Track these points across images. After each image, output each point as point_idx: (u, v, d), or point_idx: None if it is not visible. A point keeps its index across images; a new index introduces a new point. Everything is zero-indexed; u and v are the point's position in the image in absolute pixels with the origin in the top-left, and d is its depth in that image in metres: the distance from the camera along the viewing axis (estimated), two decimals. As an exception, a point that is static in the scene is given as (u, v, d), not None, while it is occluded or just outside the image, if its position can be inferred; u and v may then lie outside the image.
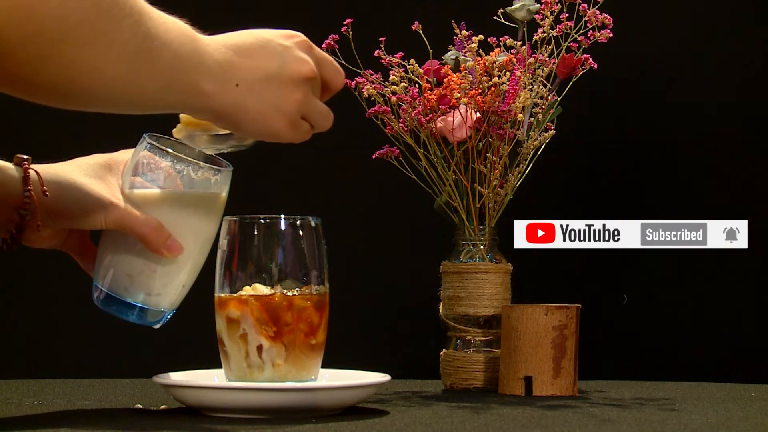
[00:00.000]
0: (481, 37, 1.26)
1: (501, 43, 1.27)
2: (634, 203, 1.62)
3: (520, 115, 1.25)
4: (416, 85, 1.27)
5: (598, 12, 1.25)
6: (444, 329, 1.29)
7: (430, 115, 1.26)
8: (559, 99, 1.29)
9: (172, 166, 0.95)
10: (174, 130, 0.97)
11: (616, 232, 1.62)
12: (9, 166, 0.92)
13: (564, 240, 1.63)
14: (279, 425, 0.90)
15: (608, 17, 1.25)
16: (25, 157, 0.93)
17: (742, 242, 1.60)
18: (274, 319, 0.98)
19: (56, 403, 1.07)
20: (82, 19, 0.75)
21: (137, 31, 0.79)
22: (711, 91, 1.61)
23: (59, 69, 0.76)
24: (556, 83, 1.28)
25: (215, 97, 0.86)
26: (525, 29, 1.28)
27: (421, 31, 1.26)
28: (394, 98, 1.26)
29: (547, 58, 1.26)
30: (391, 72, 1.27)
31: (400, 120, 1.28)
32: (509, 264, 1.29)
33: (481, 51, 1.25)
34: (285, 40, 0.91)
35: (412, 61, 1.26)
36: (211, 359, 1.05)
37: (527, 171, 1.28)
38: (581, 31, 1.26)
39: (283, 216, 1.01)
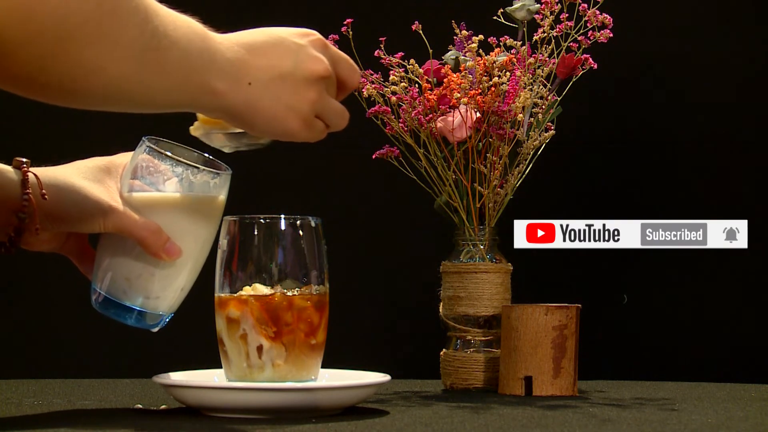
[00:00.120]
0: (481, 37, 1.26)
1: (501, 43, 1.27)
2: (634, 203, 1.62)
3: (520, 115, 1.25)
4: (416, 85, 1.27)
5: (598, 12, 1.25)
6: (444, 329, 1.29)
7: (430, 115, 1.26)
8: (559, 99, 1.29)
9: (171, 170, 0.95)
10: (191, 127, 0.96)
11: (616, 232, 1.62)
12: (8, 169, 0.92)
13: (564, 240, 1.63)
14: (279, 425, 0.90)
15: (608, 17, 1.25)
16: (24, 160, 0.92)
17: (742, 242, 1.60)
18: (274, 319, 0.98)
19: (56, 403, 1.07)
20: (86, 17, 0.74)
21: (144, 30, 0.78)
22: (711, 91, 1.61)
23: (64, 68, 0.75)
24: (556, 83, 1.28)
25: (227, 96, 0.85)
26: (525, 29, 1.28)
27: (421, 31, 1.26)
28: (394, 98, 1.26)
29: (547, 58, 1.26)
30: (391, 72, 1.27)
31: (400, 120, 1.28)
32: (509, 264, 1.29)
33: (481, 51, 1.25)
34: (299, 39, 0.90)
35: (412, 61, 1.26)
36: (211, 359, 1.05)
37: (527, 171, 1.28)
38: (581, 31, 1.26)
39: (283, 216, 1.01)
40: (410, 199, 1.37)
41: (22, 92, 0.77)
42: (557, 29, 1.26)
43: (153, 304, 0.96)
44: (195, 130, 0.97)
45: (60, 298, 1.57)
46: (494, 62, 1.25)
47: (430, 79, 1.27)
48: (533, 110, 1.27)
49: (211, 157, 0.98)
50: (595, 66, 1.27)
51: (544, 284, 1.52)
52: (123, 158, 0.98)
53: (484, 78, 1.24)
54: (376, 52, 1.26)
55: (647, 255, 1.61)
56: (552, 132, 1.28)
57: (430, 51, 1.26)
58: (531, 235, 1.46)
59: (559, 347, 1.16)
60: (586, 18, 1.26)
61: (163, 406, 1.03)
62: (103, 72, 0.77)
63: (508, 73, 1.24)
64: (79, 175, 0.94)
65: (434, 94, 1.25)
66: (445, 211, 1.30)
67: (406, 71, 1.27)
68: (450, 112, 1.25)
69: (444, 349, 1.28)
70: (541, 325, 1.16)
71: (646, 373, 1.42)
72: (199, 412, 0.97)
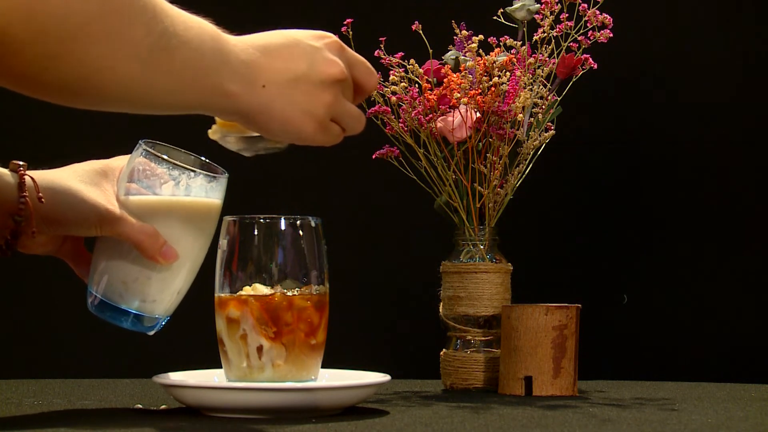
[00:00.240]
0: (481, 37, 1.26)
1: (501, 43, 1.27)
2: (634, 203, 1.62)
3: (520, 115, 1.25)
4: (416, 85, 1.27)
5: (598, 12, 1.25)
6: (444, 329, 1.29)
7: (430, 115, 1.26)
8: (559, 99, 1.29)
9: (168, 173, 0.95)
10: (209, 131, 0.96)
11: (616, 232, 1.62)
12: (5, 172, 0.92)
13: (564, 240, 1.63)
14: (279, 425, 0.90)
15: (608, 17, 1.25)
16: (21, 163, 0.92)
17: (741, 242, 1.60)
18: (274, 319, 0.98)
19: (56, 403, 1.07)
20: (90, 16, 0.74)
21: (152, 29, 0.78)
22: (711, 91, 1.61)
23: (69, 67, 0.75)
24: (556, 83, 1.28)
25: (241, 98, 0.84)
26: (525, 29, 1.28)
27: (421, 31, 1.26)
28: (394, 98, 1.26)
29: (547, 58, 1.26)
30: (391, 72, 1.27)
31: (400, 120, 1.28)
32: (509, 264, 1.29)
33: (481, 51, 1.25)
34: (315, 41, 0.89)
35: (412, 61, 1.26)
36: (211, 359, 1.05)
37: (527, 171, 1.28)
38: (581, 31, 1.26)
39: (283, 216, 1.01)
40: (410, 199, 1.37)
41: (28, 92, 0.77)
42: (557, 29, 1.26)
43: (149, 308, 0.96)
44: (213, 133, 0.96)
45: (60, 298, 1.57)
46: (494, 62, 1.25)
47: (430, 79, 1.27)
48: (533, 110, 1.27)
49: (207, 160, 0.98)
50: (595, 66, 1.27)
51: (544, 284, 1.52)
52: (119, 161, 0.98)
53: (484, 78, 1.24)
54: (376, 52, 1.26)
55: (647, 255, 1.62)
56: (552, 132, 1.29)
57: (430, 51, 1.26)
58: (531, 235, 1.46)
59: (559, 347, 1.16)
60: (586, 18, 1.26)
61: (163, 406, 1.03)
62: (110, 71, 0.76)
63: (508, 73, 1.24)
64: (75, 178, 0.94)
65: (434, 94, 1.25)
66: (445, 211, 1.30)
67: (406, 71, 1.27)
68: (450, 112, 1.25)
69: (444, 349, 1.28)
70: (541, 325, 1.16)
71: (646, 373, 1.42)
72: (199, 412, 0.97)
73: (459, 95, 1.23)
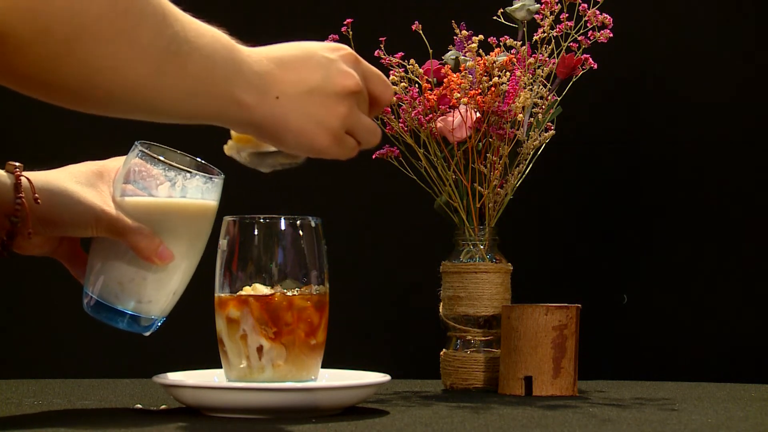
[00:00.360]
0: (481, 37, 1.26)
1: (501, 43, 1.27)
2: (634, 203, 1.62)
3: (520, 115, 1.25)
4: (416, 85, 1.27)
5: (598, 12, 1.25)
6: (444, 329, 1.29)
7: (430, 115, 1.26)
8: (559, 99, 1.29)
9: (164, 174, 0.95)
10: (225, 146, 0.96)
11: (616, 232, 1.62)
12: (1, 173, 0.92)
13: (564, 239, 1.63)
14: (279, 425, 0.90)
15: (608, 17, 1.25)
16: (17, 164, 0.92)
17: (741, 242, 1.60)
18: (274, 320, 0.98)
19: (56, 403, 1.07)
20: (98, 16, 0.73)
21: (162, 33, 0.77)
22: (711, 91, 1.61)
23: (74, 68, 0.74)
24: (556, 83, 1.28)
25: (254, 109, 0.83)
26: (525, 29, 1.28)
27: (421, 31, 1.26)
28: (394, 98, 1.26)
29: (547, 58, 1.26)
30: (391, 72, 1.27)
31: (400, 120, 1.28)
32: (509, 264, 1.29)
33: (481, 51, 1.25)
34: (330, 53, 0.88)
35: (412, 61, 1.26)
36: (211, 359, 1.05)
37: (527, 171, 1.29)
38: (581, 31, 1.26)
39: (283, 216, 1.01)
40: (410, 199, 1.37)
41: (34, 93, 0.76)
42: (557, 29, 1.26)
43: (145, 308, 0.96)
44: (228, 149, 0.96)
45: (60, 299, 1.56)
46: (494, 62, 1.25)
47: (430, 79, 1.27)
48: (533, 110, 1.27)
49: (203, 161, 0.98)
50: (595, 66, 1.27)
51: (544, 284, 1.52)
52: (115, 162, 0.98)
53: (484, 78, 1.24)
54: (376, 52, 1.26)
55: (647, 255, 1.62)
56: (552, 132, 1.29)
57: (430, 51, 1.26)
58: (531, 235, 1.45)
59: (559, 347, 1.16)
60: (586, 18, 1.26)
61: (163, 406, 1.03)
62: (117, 74, 0.75)
63: (508, 73, 1.24)
64: (71, 179, 0.94)
65: (434, 94, 1.25)
66: (445, 211, 1.30)
67: (406, 71, 1.27)
68: (450, 112, 1.25)
69: (444, 349, 1.28)
70: (541, 325, 1.16)
71: (646, 373, 1.42)
72: (199, 412, 0.97)
73: (459, 95, 1.23)
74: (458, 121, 1.25)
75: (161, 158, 0.95)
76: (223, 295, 1.01)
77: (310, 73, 0.86)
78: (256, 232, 1.01)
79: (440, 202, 1.30)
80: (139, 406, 1.04)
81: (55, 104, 0.77)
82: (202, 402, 0.96)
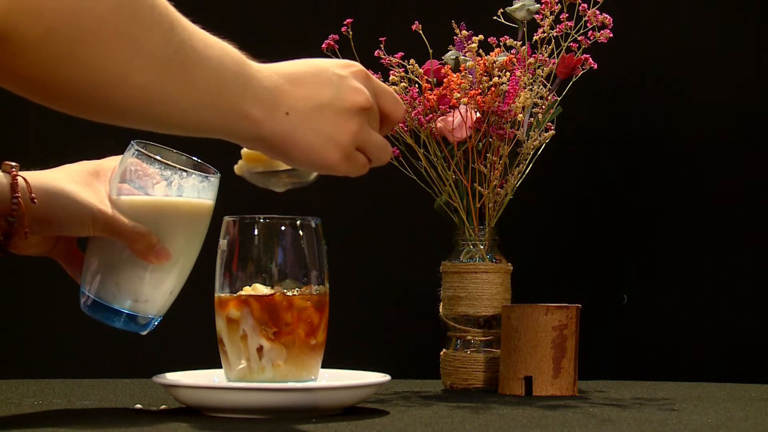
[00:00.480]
0: (481, 37, 1.26)
1: (501, 43, 1.27)
2: (634, 203, 1.62)
3: (520, 115, 1.25)
4: (416, 85, 1.27)
5: (598, 12, 1.25)
6: (444, 329, 1.29)
7: (430, 115, 1.26)
8: (559, 99, 1.29)
9: (160, 173, 0.95)
10: (235, 166, 0.96)
11: (616, 232, 1.62)
12: None
13: (564, 239, 1.63)
14: (279, 425, 0.90)
15: (608, 17, 1.25)
16: (13, 164, 0.92)
17: (741, 242, 1.60)
18: (274, 320, 0.98)
19: (56, 403, 1.07)
20: (102, 20, 0.72)
21: (169, 41, 0.76)
22: (711, 91, 1.61)
23: (78, 72, 0.73)
24: (556, 83, 1.28)
25: (264, 125, 0.83)
26: (525, 29, 1.28)
27: (421, 31, 1.26)
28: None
29: (547, 58, 1.26)
30: (391, 72, 1.27)
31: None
32: (509, 264, 1.29)
33: (481, 51, 1.25)
34: (340, 70, 0.88)
35: (412, 61, 1.26)
36: (211, 359, 1.05)
37: (527, 171, 1.29)
38: (581, 31, 1.26)
39: (283, 216, 1.01)
40: (410, 199, 1.37)
41: (37, 98, 0.75)
42: (557, 29, 1.26)
43: (142, 308, 0.96)
44: (238, 169, 0.96)
45: (60, 299, 1.56)
46: (494, 62, 1.25)
47: (430, 79, 1.27)
48: (533, 110, 1.27)
49: (199, 160, 0.98)
50: (595, 66, 1.27)
51: (544, 284, 1.52)
52: (111, 162, 0.98)
53: (484, 78, 1.24)
54: (376, 52, 1.26)
55: (647, 255, 1.62)
56: (552, 132, 1.29)
57: (430, 51, 1.26)
58: (531, 235, 1.45)
59: (559, 347, 1.16)
60: (586, 18, 1.26)
61: (163, 406, 1.03)
62: (122, 80, 0.75)
63: (508, 73, 1.24)
64: (68, 179, 0.93)
65: (434, 94, 1.25)
66: (445, 211, 1.30)
67: (406, 71, 1.27)
68: (450, 112, 1.25)
69: (444, 349, 1.28)
70: (541, 325, 1.16)
71: (646, 373, 1.42)
72: (199, 412, 0.97)
73: (459, 95, 1.23)
74: (458, 121, 1.25)
75: (157, 157, 0.95)
76: (223, 295, 1.01)
77: (321, 90, 0.86)
78: (256, 232, 1.01)
79: (440, 202, 1.30)
80: (139, 406, 1.04)
81: (58, 110, 0.77)
82: (202, 402, 0.96)
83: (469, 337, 1.27)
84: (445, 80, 1.24)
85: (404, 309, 1.60)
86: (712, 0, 1.62)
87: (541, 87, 1.27)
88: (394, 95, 0.92)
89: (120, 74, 0.74)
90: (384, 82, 1.26)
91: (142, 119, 0.80)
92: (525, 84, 1.25)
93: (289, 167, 0.94)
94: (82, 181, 0.94)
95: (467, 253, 1.28)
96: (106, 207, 0.93)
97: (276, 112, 0.84)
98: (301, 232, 1.01)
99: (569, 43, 1.26)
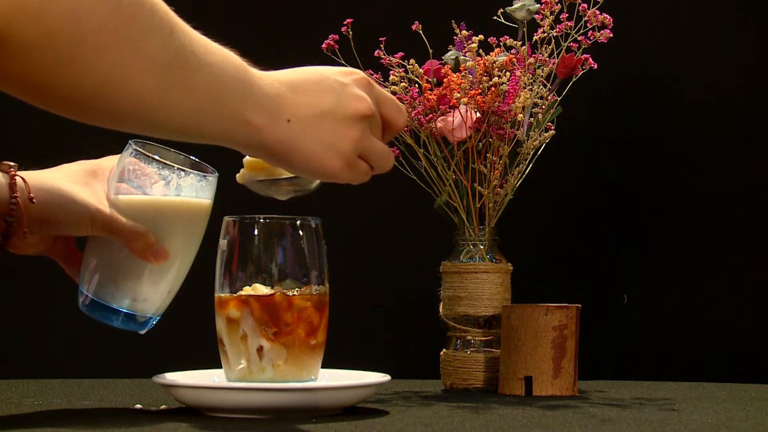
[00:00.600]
0: (481, 37, 1.26)
1: (501, 43, 1.27)
2: (634, 203, 1.62)
3: (520, 115, 1.25)
4: (416, 85, 1.27)
5: (598, 12, 1.25)
6: (444, 329, 1.29)
7: (430, 115, 1.26)
8: (559, 99, 1.29)
9: (158, 173, 0.95)
10: (237, 175, 0.96)
11: (616, 232, 1.62)
12: None
13: (564, 239, 1.63)
14: (279, 425, 0.90)
15: (608, 17, 1.25)
16: (12, 163, 0.92)
17: (741, 242, 1.60)
18: (274, 320, 0.98)
19: (56, 403, 1.07)
20: (102, 23, 0.72)
21: (169, 45, 0.76)
22: (711, 91, 1.61)
23: (78, 75, 0.73)
24: (556, 83, 1.28)
25: (265, 132, 0.83)
26: (525, 29, 1.28)
27: (421, 31, 1.26)
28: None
29: (547, 58, 1.26)
30: (391, 72, 1.27)
31: (400, 120, 1.27)
32: (509, 264, 1.29)
33: (481, 51, 1.25)
34: (342, 77, 0.88)
35: (412, 61, 1.26)
36: (211, 359, 1.05)
37: (527, 171, 1.28)
38: (581, 31, 1.26)
39: (283, 216, 1.01)
40: (410, 199, 1.37)
41: (37, 101, 0.75)
42: (557, 29, 1.26)
43: (140, 307, 0.96)
44: (240, 177, 0.97)
45: (60, 299, 1.56)
46: (494, 62, 1.25)
47: (430, 79, 1.27)
48: (533, 110, 1.27)
49: (197, 160, 0.98)
50: (595, 66, 1.27)
51: (544, 284, 1.52)
52: (109, 161, 0.97)
53: (484, 78, 1.24)
54: (376, 52, 1.26)
55: (647, 255, 1.62)
56: (552, 132, 1.29)
57: (430, 51, 1.26)
58: (531, 235, 1.45)
59: (559, 347, 1.16)
60: (586, 18, 1.26)
61: (163, 406, 1.03)
62: (122, 84, 0.74)
63: (508, 73, 1.24)
64: (66, 178, 0.93)
65: (434, 94, 1.25)
66: (445, 211, 1.30)
67: (406, 71, 1.27)
68: (450, 112, 1.25)
69: (444, 349, 1.28)
70: (541, 325, 1.16)
71: (646, 373, 1.42)
72: (199, 412, 0.97)
73: (459, 95, 1.23)
74: (458, 121, 1.25)
75: (155, 157, 0.95)
76: (223, 295, 1.01)
77: (323, 97, 0.86)
78: (256, 232, 1.01)
79: (440, 202, 1.30)
80: (139, 406, 1.04)
81: (57, 114, 0.77)
82: (202, 402, 0.96)
83: (469, 337, 1.27)
84: (445, 80, 1.24)
85: (404, 309, 1.60)
86: (712, 0, 1.62)
87: (541, 87, 1.27)
88: (397, 103, 0.92)
89: (119, 78, 0.74)
90: (384, 82, 1.27)
91: (141, 124, 0.80)
92: (525, 84, 1.25)
93: (290, 175, 0.94)
94: (81, 181, 0.94)
95: (467, 253, 1.28)
96: (105, 206, 0.93)
97: (277, 120, 0.84)
98: (301, 232, 1.01)
99: (569, 43, 1.26)
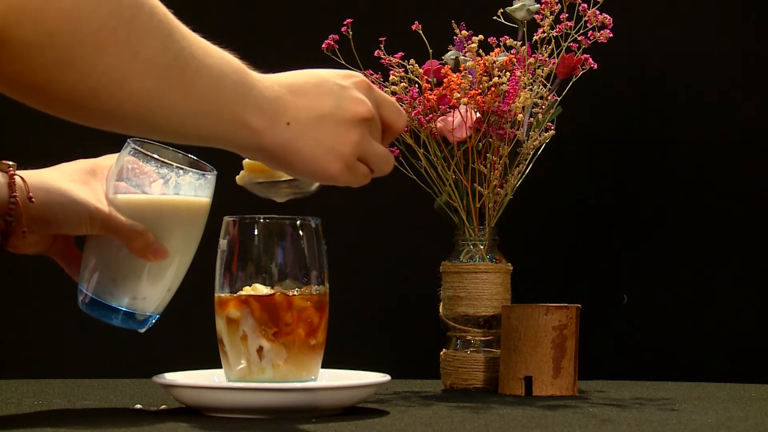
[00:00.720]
0: (481, 37, 1.26)
1: (501, 43, 1.27)
2: (634, 203, 1.62)
3: (520, 115, 1.25)
4: (416, 85, 1.27)
5: (598, 12, 1.25)
6: (444, 329, 1.29)
7: (430, 115, 1.26)
8: (559, 99, 1.29)
9: (157, 171, 0.95)
10: (237, 177, 0.97)
11: (616, 232, 1.62)
12: None
13: (564, 240, 1.63)
14: (279, 425, 0.90)
15: (608, 17, 1.25)
16: (11, 163, 0.92)
17: (741, 242, 1.60)
18: (274, 320, 0.98)
19: (56, 403, 1.07)
20: (101, 24, 0.72)
21: (168, 46, 0.76)
22: (711, 91, 1.61)
23: (78, 77, 0.73)
24: (556, 83, 1.28)
25: (264, 134, 0.83)
26: (525, 29, 1.28)
27: (421, 31, 1.26)
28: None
29: (547, 58, 1.26)
30: (391, 72, 1.27)
31: (400, 120, 1.27)
32: (509, 264, 1.29)
33: (481, 51, 1.25)
34: (342, 80, 0.88)
35: (412, 61, 1.26)
36: (211, 359, 1.05)
37: (527, 171, 1.28)
38: (581, 31, 1.26)
39: (283, 216, 1.01)
40: (410, 199, 1.37)
41: (36, 103, 0.75)
42: (557, 29, 1.26)
43: (140, 305, 0.96)
44: (240, 179, 0.97)
45: (60, 298, 1.56)
46: (494, 62, 1.25)
47: (430, 79, 1.27)
48: (533, 110, 1.27)
49: (196, 158, 0.98)
50: (595, 66, 1.27)
51: (544, 284, 1.52)
52: (108, 160, 0.98)
53: (484, 78, 1.24)
54: (376, 52, 1.26)
55: (647, 255, 1.62)
56: (552, 132, 1.29)
57: (430, 51, 1.26)
58: (531, 235, 1.45)
59: (559, 347, 1.16)
60: (586, 18, 1.26)
61: (163, 406, 1.03)
62: (121, 86, 0.75)
63: (508, 73, 1.24)
64: (65, 177, 0.93)
65: (434, 94, 1.25)
66: (445, 211, 1.30)
67: (406, 71, 1.27)
68: (450, 112, 1.25)
69: (444, 349, 1.28)
70: (541, 325, 1.16)
71: (646, 373, 1.42)
72: (199, 412, 0.97)
73: (459, 95, 1.23)
74: (458, 121, 1.25)
75: (154, 155, 0.95)
76: (223, 295, 1.01)
77: (322, 100, 0.86)
78: (256, 232, 1.01)
79: (440, 202, 1.30)
80: (139, 406, 1.04)
81: (57, 115, 0.77)
82: (202, 402, 0.96)
83: (469, 337, 1.27)
84: (445, 80, 1.24)
85: (404, 309, 1.60)
86: (712, 0, 1.62)
87: (541, 87, 1.27)
88: (396, 105, 0.93)
89: (118, 80, 0.74)
90: (384, 82, 1.27)
91: (140, 126, 0.80)
92: (525, 84, 1.25)
93: (290, 177, 0.94)
94: (79, 180, 0.94)
95: (467, 253, 1.28)
96: (104, 205, 0.93)
97: (277, 122, 0.84)
98: (301, 232, 1.01)
99: (569, 43, 1.26)
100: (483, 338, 1.26)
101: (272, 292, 0.99)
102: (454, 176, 1.28)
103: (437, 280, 1.29)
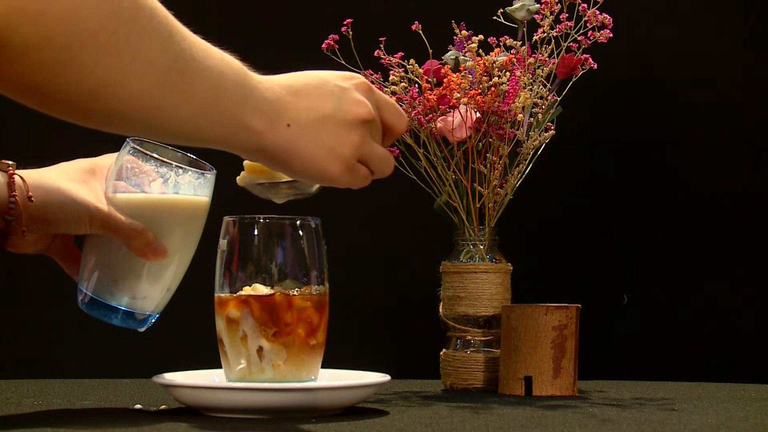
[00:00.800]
0: (481, 37, 1.26)
1: (501, 43, 1.27)
2: (634, 203, 1.62)
3: (520, 115, 1.25)
4: (416, 85, 1.27)
5: (598, 12, 1.25)
6: (444, 329, 1.29)
7: (430, 115, 1.26)
8: (559, 99, 1.29)
9: (156, 170, 0.95)
10: (237, 178, 0.97)
11: (616, 232, 1.62)
12: None
13: (564, 239, 1.63)
14: (279, 425, 0.90)
15: (608, 17, 1.25)
16: (10, 162, 0.92)
17: (741, 242, 1.60)
18: (274, 320, 0.98)
19: (56, 403, 1.07)
20: (100, 25, 0.72)
21: (168, 48, 0.76)
22: (711, 91, 1.61)
23: (77, 78, 0.73)
24: (556, 83, 1.28)
25: (265, 136, 0.83)
26: (525, 29, 1.28)
27: (421, 31, 1.26)
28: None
29: (547, 58, 1.26)
30: (391, 72, 1.27)
31: (400, 120, 1.27)
32: (509, 264, 1.29)
33: (481, 51, 1.25)
34: (342, 82, 0.88)
35: (412, 61, 1.26)
36: (211, 359, 1.05)
37: (527, 171, 1.28)
38: (581, 31, 1.26)
39: (283, 216, 1.01)
40: (410, 199, 1.37)
41: (36, 105, 0.75)
42: (557, 29, 1.26)
43: (139, 304, 0.96)
44: (240, 180, 0.97)
45: (60, 298, 1.56)
46: (494, 62, 1.25)
47: (430, 79, 1.27)
48: (533, 110, 1.27)
49: (195, 157, 0.98)
50: (595, 66, 1.27)
51: (544, 284, 1.52)
52: (107, 159, 0.98)
53: (484, 78, 1.24)
54: (376, 52, 1.26)
55: (647, 255, 1.62)
56: (552, 132, 1.29)
57: (430, 51, 1.26)
58: (531, 235, 1.45)
59: (559, 347, 1.16)
60: (586, 18, 1.26)
61: (163, 406, 1.03)
62: (120, 87, 0.75)
63: (508, 73, 1.24)
64: (64, 177, 0.93)
65: (434, 94, 1.25)
66: (445, 211, 1.30)
67: (406, 71, 1.27)
68: (450, 112, 1.25)
69: (444, 349, 1.28)
70: (541, 325, 1.16)
71: (646, 373, 1.42)
72: (199, 412, 0.97)
73: (459, 95, 1.23)
74: (458, 121, 1.25)
75: (153, 155, 0.95)
76: (223, 295, 1.01)
77: (323, 102, 0.86)
78: (256, 232, 1.01)
79: (440, 202, 1.30)
80: (139, 406, 1.04)
81: (56, 116, 0.77)
82: (202, 402, 0.96)
83: (469, 337, 1.27)
84: (445, 80, 1.24)
85: (404, 309, 1.60)
86: (712, 0, 1.62)
87: (541, 87, 1.27)
88: (397, 107, 0.93)
89: (117, 81, 0.74)
90: (384, 82, 1.27)
91: (141, 128, 0.80)
92: (525, 84, 1.25)
93: (290, 179, 0.94)
94: (79, 179, 0.94)
95: (467, 253, 1.28)
96: (103, 205, 0.93)
97: (277, 124, 0.84)
98: (301, 232, 1.01)
99: (569, 43, 1.26)
100: (483, 338, 1.26)
101: (272, 292, 0.99)
102: (454, 176, 1.28)
103: (437, 280, 1.29)
